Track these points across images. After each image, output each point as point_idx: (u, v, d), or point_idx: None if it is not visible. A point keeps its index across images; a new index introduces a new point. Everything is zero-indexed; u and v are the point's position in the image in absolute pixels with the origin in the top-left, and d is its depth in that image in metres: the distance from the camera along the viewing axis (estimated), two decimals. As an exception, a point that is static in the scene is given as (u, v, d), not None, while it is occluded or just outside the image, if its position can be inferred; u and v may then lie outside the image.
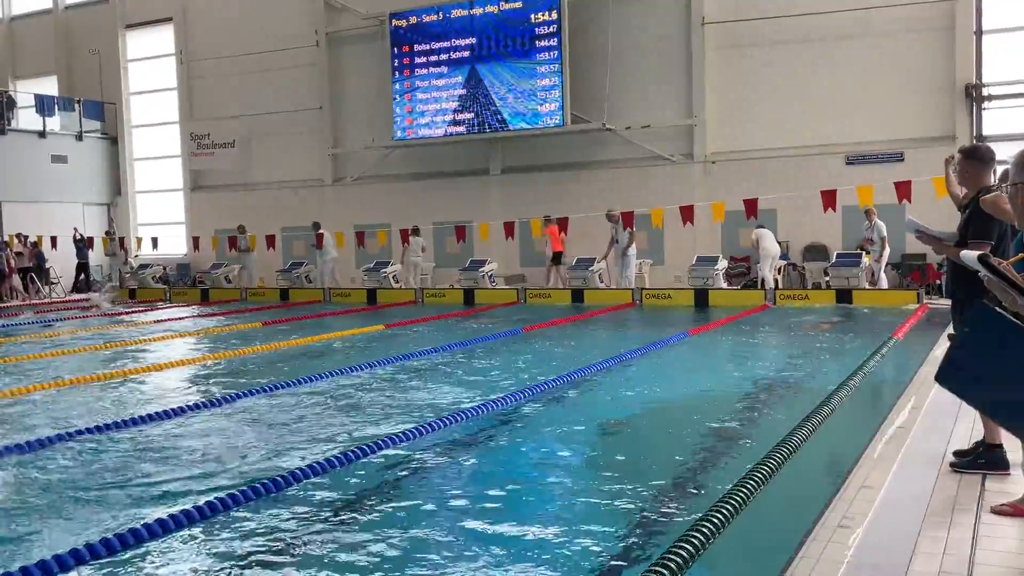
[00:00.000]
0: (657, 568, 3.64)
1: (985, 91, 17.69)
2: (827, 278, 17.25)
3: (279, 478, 5.36)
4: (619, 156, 20.65)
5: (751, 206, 16.21)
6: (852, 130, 18.38)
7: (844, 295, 16.11)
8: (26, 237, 23.48)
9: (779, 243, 18.02)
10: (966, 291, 4.96)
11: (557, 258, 19.65)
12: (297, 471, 5.47)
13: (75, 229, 24.85)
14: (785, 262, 18.54)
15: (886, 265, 16.93)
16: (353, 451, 5.98)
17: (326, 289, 21.13)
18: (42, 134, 25.26)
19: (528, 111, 20.81)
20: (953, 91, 17.64)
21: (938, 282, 17.10)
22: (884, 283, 16.67)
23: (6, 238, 23.67)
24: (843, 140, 18.49)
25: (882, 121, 18.16)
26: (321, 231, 21.22)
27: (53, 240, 23.59)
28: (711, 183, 19.55)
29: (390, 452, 6.10)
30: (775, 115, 19.06)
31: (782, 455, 5.40)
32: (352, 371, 9.59)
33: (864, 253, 17.00)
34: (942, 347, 9.76)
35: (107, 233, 25.66)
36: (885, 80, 18.10)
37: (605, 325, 14.98)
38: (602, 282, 18.95)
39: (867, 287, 16.47)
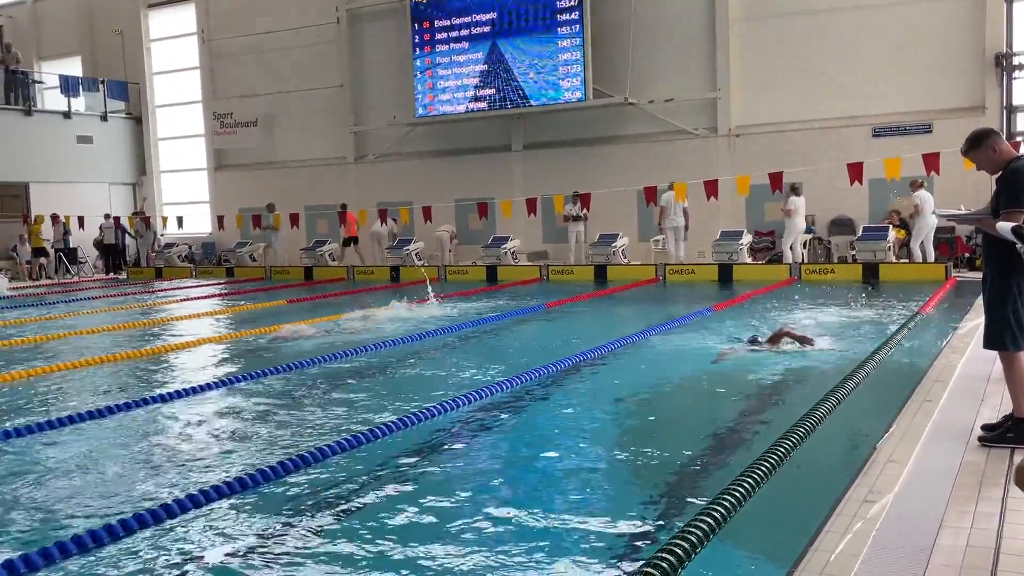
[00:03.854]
0: (678, 540, 3.64)
1: (1015, 60, 17.32)
2: (853, 252, 17.06)
3: (304, 455, 5.40)
4: (642, 131, 20.48)
5: (776, 180, 16.03)
6: (879, 101, 18.09)
7: (870, 269, 15.93)
8: (56, 217, 23.74)
9: (805, 217, 17.81)
10: (998, 266, 4.89)
11: (349, 242, 21.87)
12: (319, 450, 5.49)
13: (111, 216, 25.14)
14: (811, 236, 18.35)
15: (921, 240, 16.43)
16: (378, 428, 6.01)
17: (349, 267, 21.23)
18: (67, 115, 25.45)
19: (550, 86, 20.66)
20: (982, 60, 17.28)
21: (967, 255, 16.86)
22: (930, 255, 16.32)
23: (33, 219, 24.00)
24: (870, 112, 18.21)
25: (910, 92, 17.85)
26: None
27: (80, 220, 23.85)
28: (735, 157, 19.35)
29: (412, 429, 6.12)
30: (800, 87, 18.79)
31: (807, 428, 5.36)
32: (374, 349, 9.64)
33: (892, 227, 16.77)
34: (971, 320, 9.64)
35: (134, 213, 25.88)
36: (913, 50, 17.78)
37: (628, 301, 14.93)
38: (624, 258, 18.88)
39: (894, 260, 16.27)
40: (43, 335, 11.58)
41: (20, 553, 3.97)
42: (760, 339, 8.87)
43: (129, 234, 25.18)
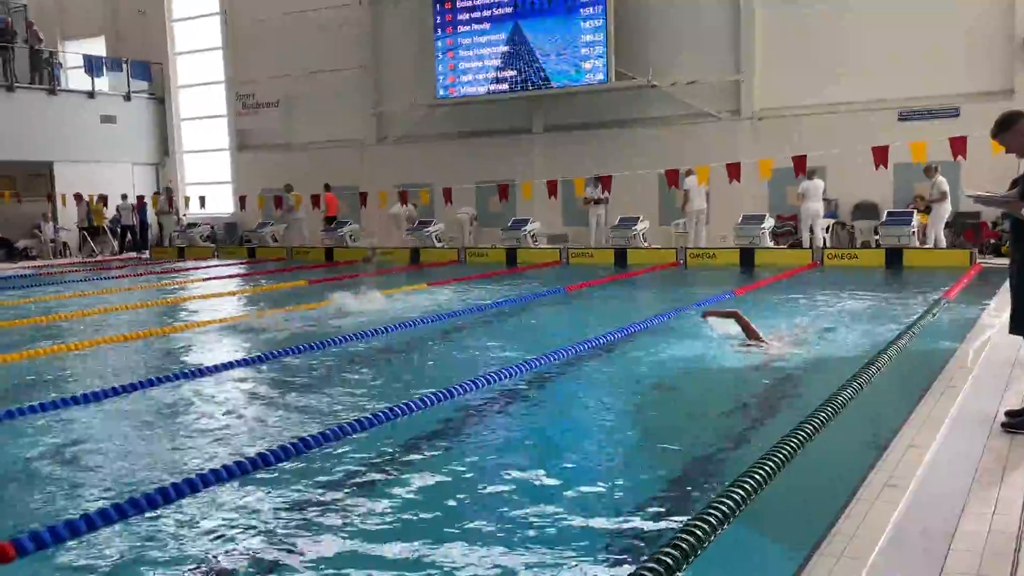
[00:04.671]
0: (697, 523, 3.64)
1: (1046, 43, 17.02)
2: (877, 237, 16.89)
3: (326, 432, 5.43)
4: (664, 113, 20.33)
5: (800, 163, 15.88)
6: (905, 84, 17.84)
7: (894, 255, 15.77)
8: (79, 196, 23.96)
9: (827, 201, 17.63)
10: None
11: (331, 221, 22.28)
12: (340, 428, 5.51)
13: (127, 196, 25.31)
14: (833, 220, 18.18)
15: (944, 225, 16.32)
16: (397, 408, 6.02)
17: (370, 248, 21.27)
18: (91, 94, 25.58)
19: (571, 68, 20.53)
20: (1011, 43, 16.99)
21: (992, 241, 16.66)
22: (942, 242, 16.19)
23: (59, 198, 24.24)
24: (896, 95, 17.97)
25: (937, 75, 17.57)
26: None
27: (104, 199, 24.06)
28: (758, 140, 19.18)
29: (432, 409, 6.14)
30: (825, 70, 18.55)
31: (827, 414, 5.33)
32: (394, 330, 9.66)
33: (917, 212, 16.58)
34: (995, 306, 9.54)
35: (156, 193, 26.04)
36: (940, 32, 17.50)
37: (648, 285, 14.89)
38: (645, 242, 18.81)
39: (918, 246, 16.09)
40: (71, 312, 11.73)
41: (49, 525, 4.02)
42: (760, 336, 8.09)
43: (167, 212, 25.20)
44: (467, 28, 21.78)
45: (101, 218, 24.59)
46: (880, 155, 15.02)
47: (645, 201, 19.94)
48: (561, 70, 20.69)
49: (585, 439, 5.61)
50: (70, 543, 3.92)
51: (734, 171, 16.46)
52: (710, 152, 18.77)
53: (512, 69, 21.29)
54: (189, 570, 3.73)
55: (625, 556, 3.70)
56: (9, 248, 23.14)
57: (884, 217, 16.74)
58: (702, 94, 19.84)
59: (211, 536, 4.07)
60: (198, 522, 4.23)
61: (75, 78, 26.34)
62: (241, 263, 21.11)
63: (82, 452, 5.44)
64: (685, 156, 18.77)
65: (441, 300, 12.46)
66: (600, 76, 20.15)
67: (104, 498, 4.53)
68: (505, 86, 21.42)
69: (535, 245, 19.78)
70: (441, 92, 22.29)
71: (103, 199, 24.38)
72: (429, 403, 6.18)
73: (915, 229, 16.08)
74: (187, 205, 25.81)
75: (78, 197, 23.91)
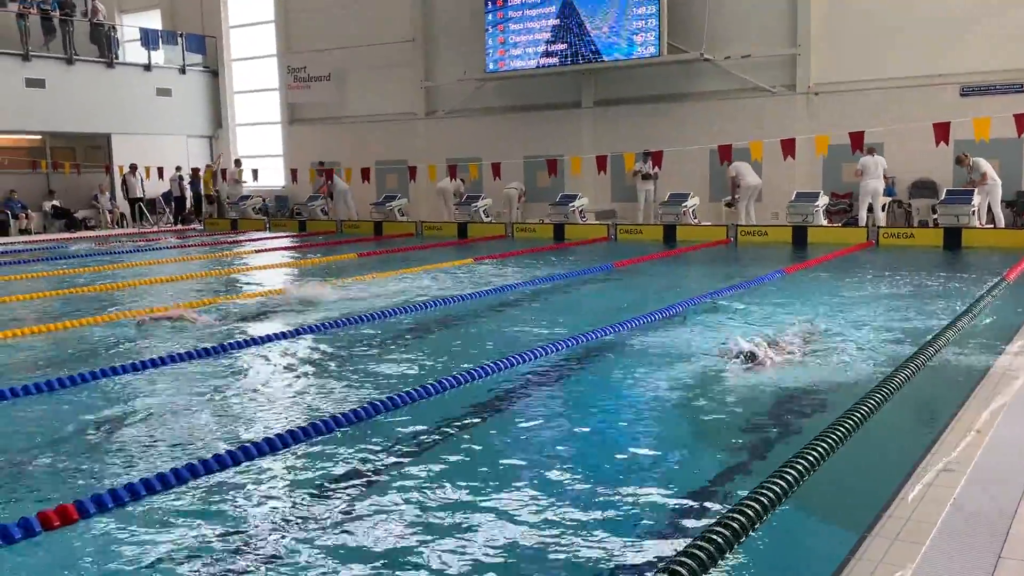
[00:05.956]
0: (749, 502, 3.62)
1: (1121, 15, 16.34)
2: (935, 216, 16.47)
3: (367, 407, 5.50)
4: (717, 87, 19.99)
5: (856, 139, 15.52)
6: (967, 58, 17.26)
7: (953, 234, 15.37)
8: (134, 167, 24.40)
9: (886, 178, 17.23)
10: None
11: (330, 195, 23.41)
12: (380, 402, 5.57)
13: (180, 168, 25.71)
14: (890, 198, 17.76)
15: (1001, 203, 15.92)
16: (440, 382, 6.06)
17: (418, 222, 21.38)
18: (147, 67, 25.99)
19: (623, 41, 20.26)
20: (1082, 15, 16.35)
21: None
22: (1001, 221, 15.77)
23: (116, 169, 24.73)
24: (957, 69, 17.40)
25: (1000, 49, 16.96)
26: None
27: (160, 171, 24.49)
28: (813, 115, 18.77)
29: (475, 384, 6.17)
30: (884, 43, 18.04)
31: (883, 396, 5.24)
32: (440, 304, 9.71)
33: (977, 192, 16.13)
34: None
35: (208, 165, 26.42)
36: (1003, 4, 16.87)
37: (697, 262, 14.74)
38: (695, 218, 18.60)
39: (978, 226, 15.66)
40: (132, 281, 12.01)
41: (108, 488, 4.15)
42: (757, 354, 6.69)
43: (237, 182, 25.46)
44: (518, 1, 21.61)
45: (210, 188, 25.45)
46: (941, 132, 14.62)
47: (696, 177, 19.71)
48: (612, 43, 20.43)
49: (633, 415, 5.59)
50: (129, 507, 4.04)
51: (788, 147, 16.16)
52: (764, 127, 18.44)
53: (562, 42, 21.08)
54: (245, 535, 3.82)
55: (674, 534, 3.69)
56: (70, 219, 23.70)
57: (943, 195, 16.32)
58: (756, 68, 19.45)
59: (265, 499, 4.16)
60: (253, 487, 4.33)
61: (132, 51, 26.74)
62: (293, 236, 21.39)
63: (141, 418, 5.58)
64: (738, 131, 18.47)
65: (487, 275, 12.49)
66: (652, 50, 19.86)
67: (161, 463, 4.65)
68: (555, 60, 21.24)
69: (583, 221, 19.68)
70: (491, 66, 22.19)
71: (210, 170, 25.37)
72: (474, 377, 6.22)
73: (975, 208, 15.65)
74: (240, 177, 26.17)
75: (133, 168, 24.31)
